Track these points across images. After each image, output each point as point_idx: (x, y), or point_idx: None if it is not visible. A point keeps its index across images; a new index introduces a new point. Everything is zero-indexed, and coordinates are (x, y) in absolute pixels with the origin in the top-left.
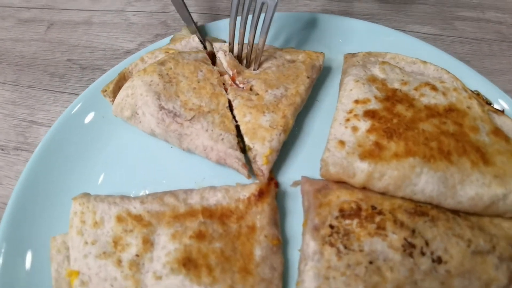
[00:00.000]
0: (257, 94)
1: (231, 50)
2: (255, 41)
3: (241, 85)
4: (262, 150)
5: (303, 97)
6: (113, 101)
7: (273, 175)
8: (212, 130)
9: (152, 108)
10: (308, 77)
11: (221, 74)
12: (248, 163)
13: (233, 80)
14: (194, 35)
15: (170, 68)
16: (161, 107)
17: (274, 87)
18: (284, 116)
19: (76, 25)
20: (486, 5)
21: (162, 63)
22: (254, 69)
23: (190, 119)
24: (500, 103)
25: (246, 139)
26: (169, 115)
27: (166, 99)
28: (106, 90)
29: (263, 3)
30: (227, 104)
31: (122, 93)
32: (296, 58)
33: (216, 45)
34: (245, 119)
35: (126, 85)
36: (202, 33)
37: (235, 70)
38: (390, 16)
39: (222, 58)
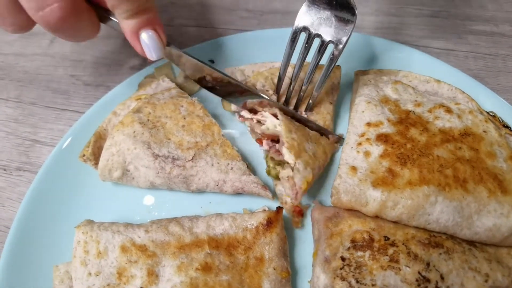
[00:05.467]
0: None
1: (278, 90)
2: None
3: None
4: (305, 173)
5: (331, 128)
6: (95, 165)
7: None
8: (218, 163)
9: (145, 159)
10: (331, 103)
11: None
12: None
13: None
14: (164, 76)
15: (149, 113)
16: (156, 156)
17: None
18: (325, 152)
19: None
20: (500, 18)
21: (138, 110)
22: (305, 113)
23: (192, 159)
24: None
25: (287, 154)
26: (167, 161)
27: (157, 145)
28: (84, 155)
29: (328, 42)
30: (221, 132)
31: (105, 154)
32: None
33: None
34: (291, 135)
35: (107, 144)
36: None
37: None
38: (401, 30)
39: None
